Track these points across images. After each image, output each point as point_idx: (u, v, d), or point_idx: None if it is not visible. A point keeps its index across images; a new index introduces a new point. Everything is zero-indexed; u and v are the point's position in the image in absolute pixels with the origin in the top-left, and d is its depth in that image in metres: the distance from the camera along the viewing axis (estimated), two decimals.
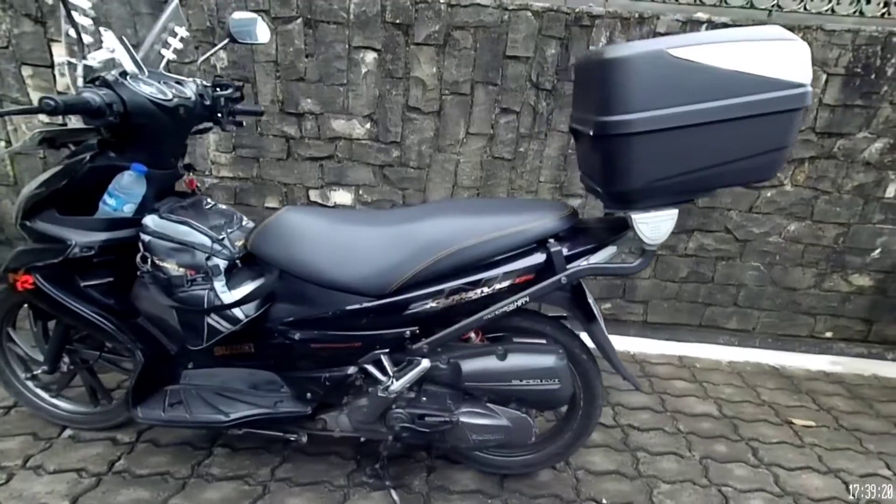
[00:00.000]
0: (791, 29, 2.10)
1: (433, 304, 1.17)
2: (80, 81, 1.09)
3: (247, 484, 1.45)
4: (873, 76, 2.13)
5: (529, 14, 2.09)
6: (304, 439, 1.37)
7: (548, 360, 1.22)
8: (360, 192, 2.39)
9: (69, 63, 1.10)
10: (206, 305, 1.23)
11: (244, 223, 1.39)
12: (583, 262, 1.16)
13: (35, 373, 1.56)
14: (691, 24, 2.09)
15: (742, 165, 0.95)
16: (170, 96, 1.20)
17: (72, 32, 1.05)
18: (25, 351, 1.52)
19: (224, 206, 1.42)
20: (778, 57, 0.88)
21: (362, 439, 1.36)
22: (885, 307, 2.53)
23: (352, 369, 1.28)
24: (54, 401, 1.58)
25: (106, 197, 1.21)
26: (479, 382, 1.23)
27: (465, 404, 1.28)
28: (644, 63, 0.90)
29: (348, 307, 1.19)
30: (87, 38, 1.06)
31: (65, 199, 1.21)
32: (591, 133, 1.00)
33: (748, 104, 0.89)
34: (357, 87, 2.21)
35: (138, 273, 1.24)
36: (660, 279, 2.52)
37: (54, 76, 2.21)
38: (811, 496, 1.58)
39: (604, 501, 1.49)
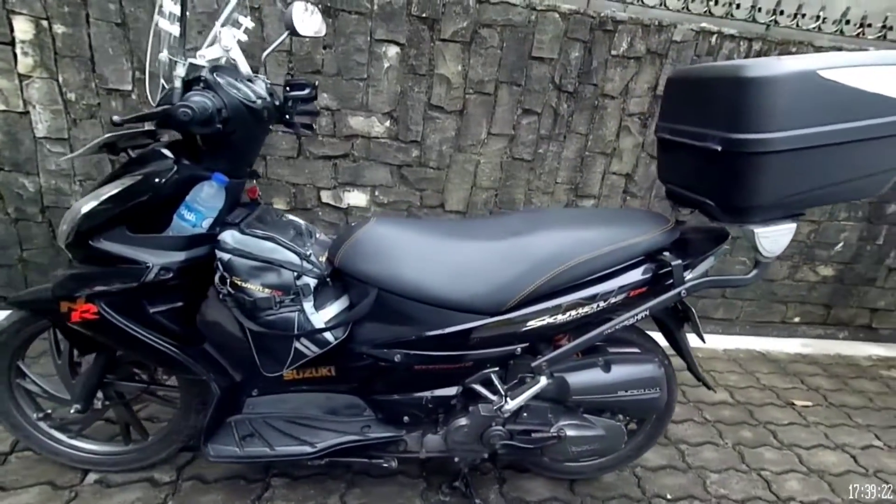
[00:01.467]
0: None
1: (550, 321, 1.14)
2: (178, 83, 0.92)
3: None
4: None
5: (557, 15, 2.09)
6: (395, 464, 1.29)
7: (650, 369, 1.24)
8: (376, 192, 2.27)
9: (170, 60, 0.92)
10: (296, 329, 1.11)
11: (318, 236, 1.27)
12: (688, 274, 1.19)
13: (48, 411, 1.33)
14: (703, 35, 2.20)
15: (861, 183, 1.02)
16: (253, 97, 1.05)
17: (167, 26, 0.87)
18: (45, 388, 1.28)
19: (292, 217, 1.28)
20: None
21: (456, 459, 1.30)
22: (841, 293, 2.87)
23: (455, 389, 1.22)
24: (74, 442, 1.36)
25: (184, 211, 1.04)
26: (586, 396, 1.22)
27: (563, 417, 1.27)
28: (792, 83, 0.93)
29: (464, 325, 1.13)
30: (175, 30, 0.89)
31: (139, 216, 1.02)
32: (719, 149, 1.02)
33: (888, 125, 0.95)
34: (378, 82, 2.09)
35: (220, 296, 1.09)
36: None
37: (14, 55, 1.87)
38: (832, 472, 1.76)
39: (668, 497, 1.56)
